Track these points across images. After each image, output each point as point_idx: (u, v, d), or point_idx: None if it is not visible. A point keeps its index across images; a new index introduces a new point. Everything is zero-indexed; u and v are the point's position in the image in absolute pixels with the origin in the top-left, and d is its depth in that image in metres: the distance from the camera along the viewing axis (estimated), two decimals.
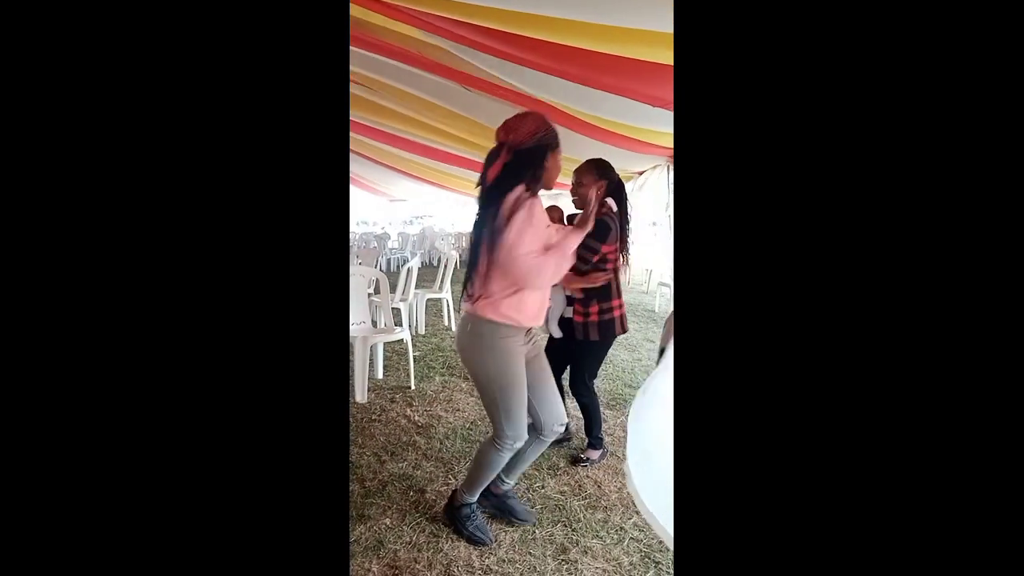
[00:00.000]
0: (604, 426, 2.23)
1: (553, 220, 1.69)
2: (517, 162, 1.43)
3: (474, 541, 1.62)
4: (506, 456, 1.57)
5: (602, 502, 1.89)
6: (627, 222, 2.04)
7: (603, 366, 3.27)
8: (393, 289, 3.72)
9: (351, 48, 2.87)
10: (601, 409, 2.21)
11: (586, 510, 1.84)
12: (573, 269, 1.79)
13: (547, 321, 2.04)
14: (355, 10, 2.30)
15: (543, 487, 1.97)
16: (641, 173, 4.63)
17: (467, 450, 2.25)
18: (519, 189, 1.42)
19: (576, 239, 1.53)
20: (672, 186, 4.03)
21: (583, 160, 2.02)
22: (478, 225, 1.45)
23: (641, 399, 0.90)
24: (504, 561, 1.56)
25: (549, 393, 1.63)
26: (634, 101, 2.55)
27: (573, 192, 2.00)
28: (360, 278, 3.06)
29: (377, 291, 3.25)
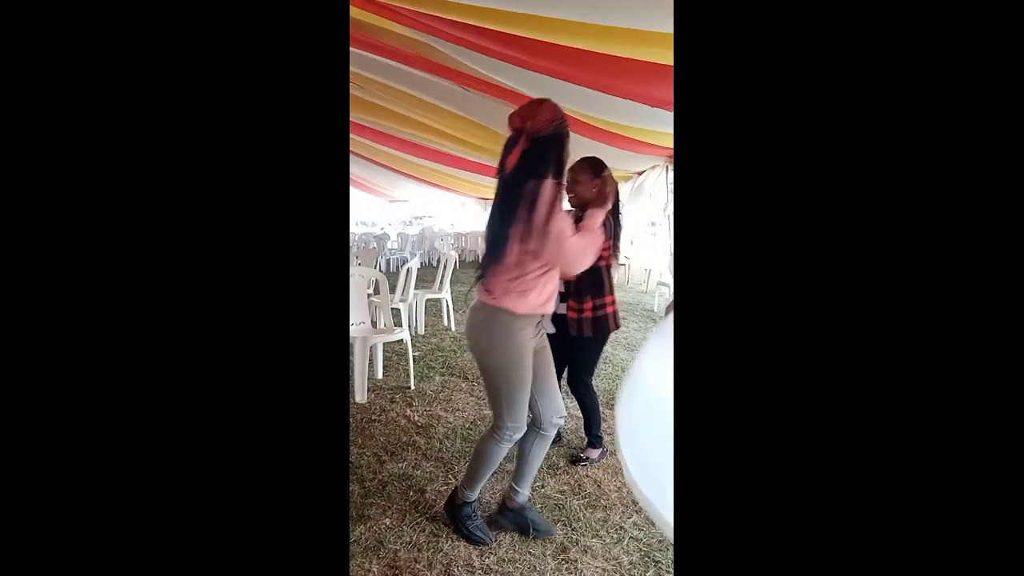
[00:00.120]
0: (603, 425, 2.23)
1: None
2: (537, 149, 1.42)
3: (474, 540, 1.62)
4: (505, 447, 1.57)
5: (602, 501, 1.89)
6: (618, 218, 2.06)
7: (602, 365, 3.28)
8: (393, 289, 3.72)
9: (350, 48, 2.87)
10: (601, 408, 2.21)
11: (586, 509, 1.84)
12: None
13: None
14: (353, 11, 2.30)
15: (543, 487, 1.97)
16: (640, 173, 4.63)
17: (467, 450, 2.25)
18: (548, 176, 1.42)
19: (599, 216, 1.55)
20: (671, 186, 4.03)
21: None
22: (501, 213, 1.45)
23: (626, 388, 0.90)
24: (504, 561, 1.56)
25: (550, 386, 1.64)
26: (632, 102, 2.55)
27: (569, 190, 2.00)
28: (360, 279, 3.06)
29: (377, 291, 3.25)
